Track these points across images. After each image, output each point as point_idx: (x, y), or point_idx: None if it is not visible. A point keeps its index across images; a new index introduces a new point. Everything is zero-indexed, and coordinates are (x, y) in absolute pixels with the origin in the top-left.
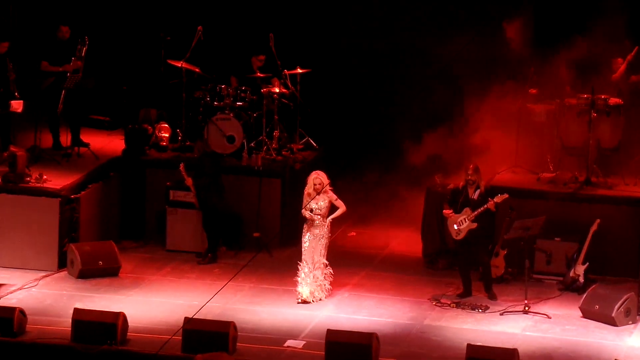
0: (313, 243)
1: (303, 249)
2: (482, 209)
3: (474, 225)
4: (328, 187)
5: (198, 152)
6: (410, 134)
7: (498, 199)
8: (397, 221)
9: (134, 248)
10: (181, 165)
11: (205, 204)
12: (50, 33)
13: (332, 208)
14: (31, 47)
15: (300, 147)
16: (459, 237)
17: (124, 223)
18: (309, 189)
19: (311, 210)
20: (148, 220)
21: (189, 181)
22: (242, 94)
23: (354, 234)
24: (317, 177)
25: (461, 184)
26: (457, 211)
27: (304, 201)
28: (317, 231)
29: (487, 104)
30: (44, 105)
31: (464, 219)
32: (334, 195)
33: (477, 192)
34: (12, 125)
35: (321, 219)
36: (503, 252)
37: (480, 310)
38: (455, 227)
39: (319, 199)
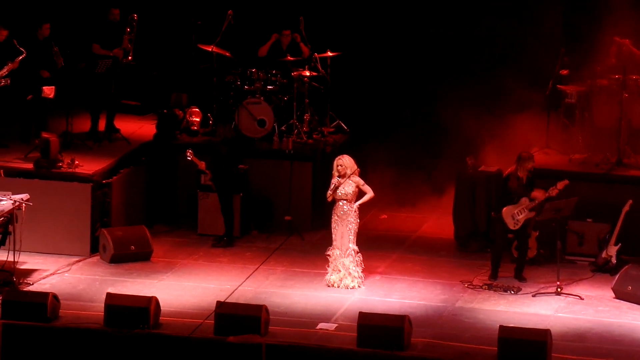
0: (341, 229)
1: (333, 235)
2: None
3: (532, 214)
4: (356, 172)
5: (219, 138)
6: (442, 116)
7: (560, 185)
8: (429, 203)
9: (165, 232)
10: (188, 152)
11: (220, 190)
12: (102, 15)
13: (361, 194)
14: (81, 30)
15: (331, 130)
16: (517, 227)
17: (155, 207)
18: (334, 171)
19: (337, 193)
20: (179, 204)
21: (202, 165)
22: (273, 78)
23: (385, 216)
24: (340, 159)
25: (518, 172)
26: (515, 202)
27: (330, 185)
28: (344, 217)
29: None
30: (78, 90)
31: (522, 209)
32: (361, 180)
33: (527, 178)
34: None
35: (348, 204)
36: (535, 234)
37: (512, 292)
38: (513, 218)
39: (345, 184)
